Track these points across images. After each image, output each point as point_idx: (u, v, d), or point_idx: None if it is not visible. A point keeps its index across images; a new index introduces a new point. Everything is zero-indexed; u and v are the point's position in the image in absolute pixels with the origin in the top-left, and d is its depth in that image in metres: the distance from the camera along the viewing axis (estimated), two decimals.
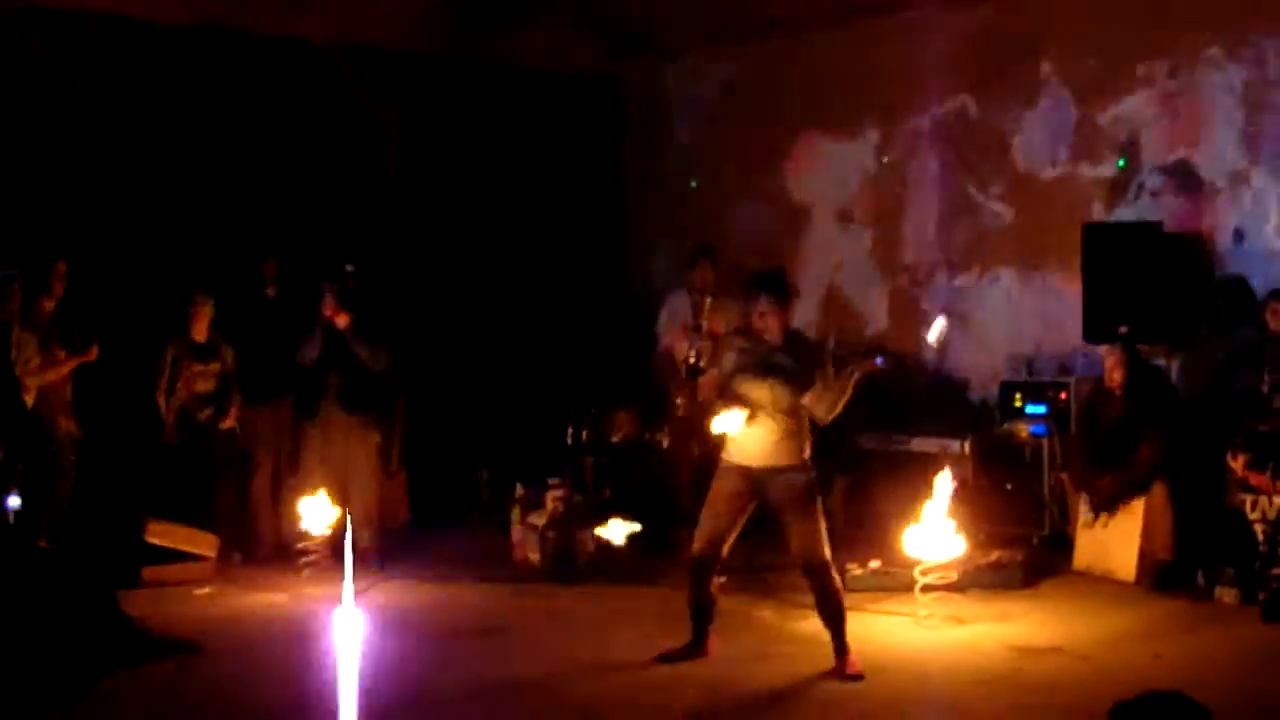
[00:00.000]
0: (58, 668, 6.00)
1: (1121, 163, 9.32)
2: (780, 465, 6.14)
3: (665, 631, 6.56)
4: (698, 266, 8.99)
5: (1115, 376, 8.27)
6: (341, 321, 8.45)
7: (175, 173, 9.29)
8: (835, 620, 6.24)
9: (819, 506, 6.21)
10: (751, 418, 6.09)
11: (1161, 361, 8.84)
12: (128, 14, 9.04)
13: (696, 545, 6.31)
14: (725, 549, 6.33)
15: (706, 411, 8.57)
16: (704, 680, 6.17)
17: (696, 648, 6.40)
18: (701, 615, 6.40)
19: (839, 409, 6.14)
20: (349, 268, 8.61)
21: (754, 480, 6.20)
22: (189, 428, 8.61)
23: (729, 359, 6.29)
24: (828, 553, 6.19)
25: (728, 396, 6.18)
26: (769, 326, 6.17)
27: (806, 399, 6.12)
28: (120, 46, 9.07)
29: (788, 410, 6.13)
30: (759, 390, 6.12)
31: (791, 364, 6.15)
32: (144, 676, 6.23)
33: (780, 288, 6.26)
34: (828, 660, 6.24)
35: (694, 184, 11.51)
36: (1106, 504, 8.08)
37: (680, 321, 8.91)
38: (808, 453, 6.23)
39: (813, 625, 6.76)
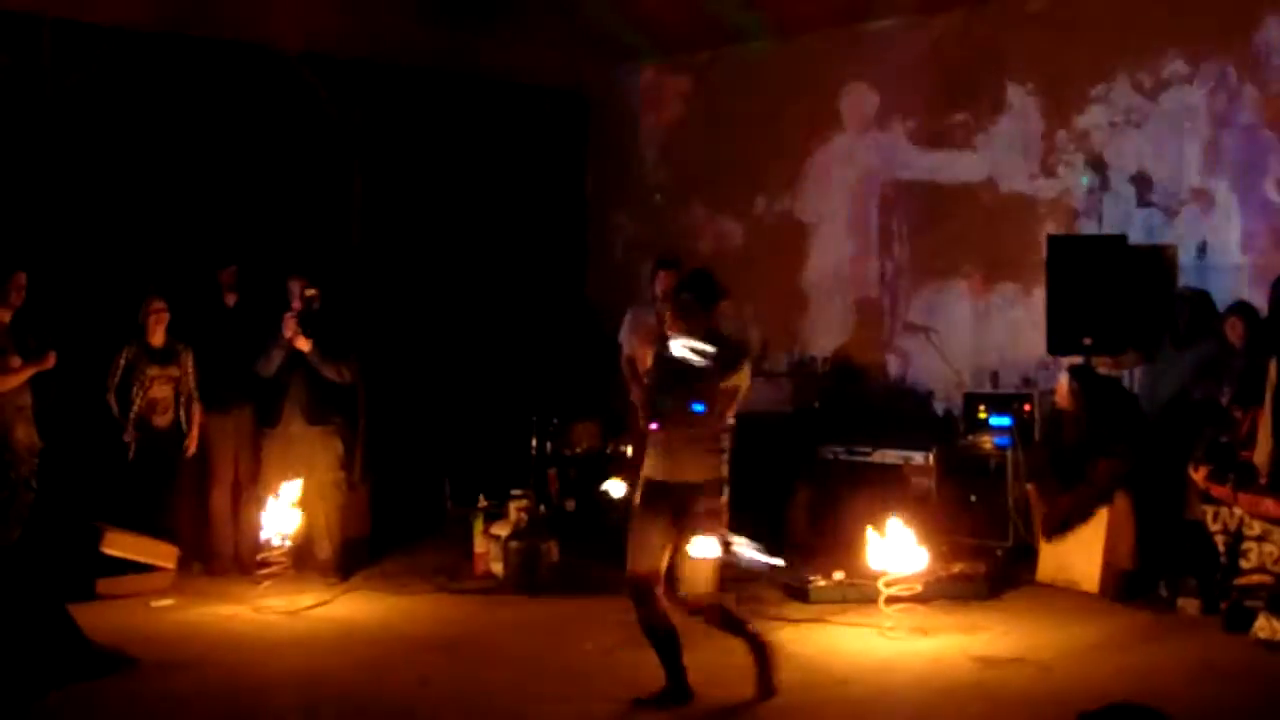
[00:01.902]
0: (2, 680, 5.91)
1: (1085, 178, 9.37)
2: (693, 480, 5.76)
3: (629, 641, 6.52)
4: (660, 277, 8.97)
5: (1067, 406, 8.33)
6: (303, 346, 8.38)
7: (136, 179, 9.21)
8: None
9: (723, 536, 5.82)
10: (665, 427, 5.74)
11: (1124, 373, 8.90)
12: (88, 18, 8.96)
13: (631, 567, 5.85)
14: (663, 567, 5.80)
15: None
16: None
17: (678, 694, 5.89)
18: (663, 645, 5.89)
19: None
20: (310, 292, 8.49)
21: (670, 496, 5.77)
22: (146, 434, 8.52)
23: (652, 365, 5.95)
24: (715, 589, 5.86)
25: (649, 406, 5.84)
26: (687, 328, 5.76)
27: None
28: (80, 51, 8.98)
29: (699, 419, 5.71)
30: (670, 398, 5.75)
31: (704, 368, 5.71)
32: (96, 691, 6.14)
33: (703, 287, 5.85)
34: (793, 670, 6.22)
35: (659, 197, 11.52)
36: (1062, 523, 8.12)
37: (643, 331, 8.88)
38: (724, 470, 5.87)
39: (778, 636, 6.74)
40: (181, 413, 8.60)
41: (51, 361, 7.97)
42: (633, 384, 8.92)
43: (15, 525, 7.79)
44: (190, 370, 8.64)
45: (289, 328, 8.36)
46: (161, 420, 8.56)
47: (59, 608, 6.53)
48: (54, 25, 8.88)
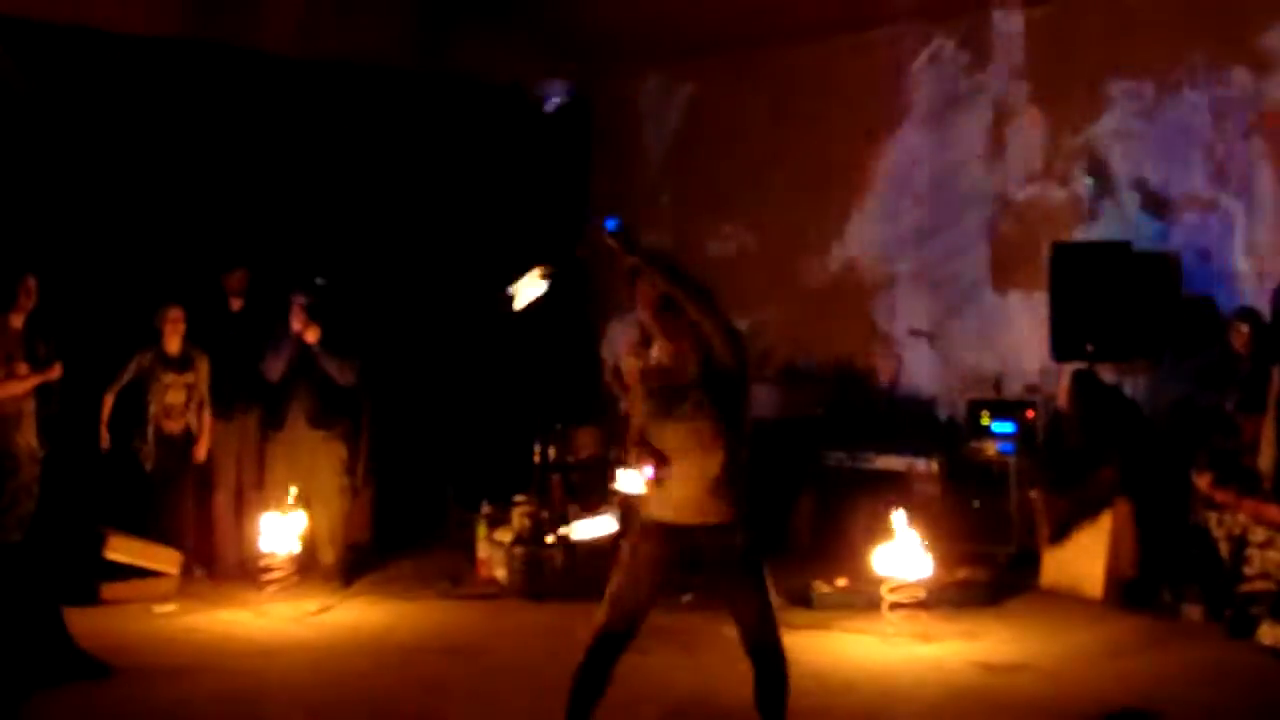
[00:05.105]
0: None
1: (1090, 182, 9.38)
2: (712, 521, 4.85)
3: (632, 646, 6.51)
4: (641, 282, 8.93)
5: (1064, 407, 8.34)
6: (310, 336, 8.40)
7: (141, 186, 9.21)
8: (776, 713, 4.97)
9: (764, 572, 4.92)
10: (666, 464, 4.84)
11: (1126, 380, 8.91)
12: (91, 25, 8.97)
13: (607, 617, 4.97)
14: (640, 625, 5.01)
15: None
16: (670, 699, 6.13)
17: None
18: (584, 707, 5.05)
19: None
20: (319, 280, 8.56)
21: (680, 540, 4.89)
22: (158, 440, 8.52)
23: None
24: (778, 631, 4.96)
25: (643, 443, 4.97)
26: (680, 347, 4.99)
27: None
28: (84, 57, 8.99)
29: (713, 449, 4.84)
30: (676, 429, 4.88)
31: (713, 387, 4.86)
32: (96, 697, 6.14)
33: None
34: (796, 677, 6.17)
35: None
36: (1062, 528, 8.13)
37: (625, 341, 8.85)
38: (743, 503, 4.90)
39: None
40: (193, 419, 8.63)
41: (57, 373, 7.96)
42: (624, 395, 8.91)
43: (16, 531, 7.79)
44: (204, 376, 8.65)
45: (298, 319, 8.38)
46: (174, 426, 8.58)
47: (52, 611, 6.51)
48: (58, 31, 8.90)
